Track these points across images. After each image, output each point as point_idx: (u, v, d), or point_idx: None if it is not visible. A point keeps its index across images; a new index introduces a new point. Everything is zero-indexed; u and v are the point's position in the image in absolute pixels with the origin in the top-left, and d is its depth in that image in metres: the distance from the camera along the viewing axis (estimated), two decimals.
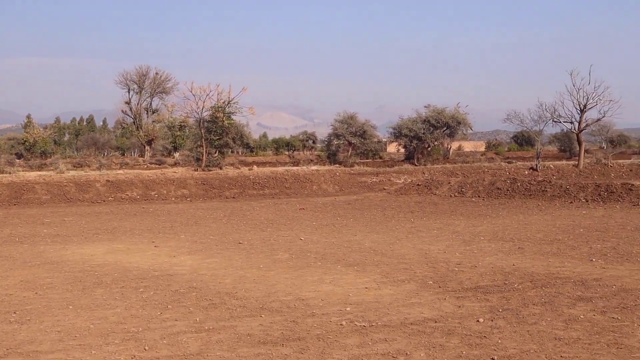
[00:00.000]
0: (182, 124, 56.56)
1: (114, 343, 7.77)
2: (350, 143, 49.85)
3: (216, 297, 10.07)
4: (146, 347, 7.56)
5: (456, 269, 12.16)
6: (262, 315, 8.90)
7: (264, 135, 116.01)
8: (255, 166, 44.69)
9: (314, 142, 75.20)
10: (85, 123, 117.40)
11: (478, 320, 8.45)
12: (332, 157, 50.92)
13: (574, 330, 7.93)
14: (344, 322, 8.45)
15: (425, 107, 52.67)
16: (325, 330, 8.13)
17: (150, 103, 71.18)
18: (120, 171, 39.03)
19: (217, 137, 41.74)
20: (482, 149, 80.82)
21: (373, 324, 8.38)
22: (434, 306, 9.31)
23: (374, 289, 10.57)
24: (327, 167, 44.22)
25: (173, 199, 31.55)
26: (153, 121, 69.51)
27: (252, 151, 76.79)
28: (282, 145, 78.89)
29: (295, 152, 72.26)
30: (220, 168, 40.33)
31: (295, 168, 42.34)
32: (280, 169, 41.88)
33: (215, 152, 42.49)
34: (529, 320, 8.45)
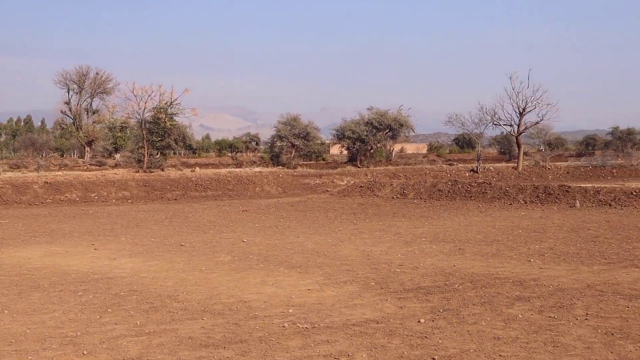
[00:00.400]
0: (124, 125, 55.83)
1: (51, 348, 7.61)
2: (293, 145, 49.89)
3: (157, 300, 9.96)
4: (85, 352, 7.43)
5: (398, 270, 12.25)
6: (204, 318, 8.83)
7: (207, 137, 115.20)
8: (197, 168, 44.37)
9: (257, 144, 75.03)
10: (22, 123, 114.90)
11: (419, 321, 8.53)
12: (275, 158, 50.89)
13: (512, 330, 8.07)
14: (286, 324, 8.43)
15: (368, 109, 53.10)
16: (267, 332, 8.11)
17: (91, 103, 69.90)
18: (59, 172, 38.33)
19: (159, 139, 41.34)
20: (424, 151, 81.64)
21: (315, 325, 8.38)
22: (376, 307, 9.37)
23: (317, 290, 10.58)
24: (270, 169, 44.15)
25: (114, 201, 31.11)
26: (93, 122, 68.36)
27: (194, 153, 76.19)
28: (225, 147, 78.43)
29: (238, 154, 71.91)
30: (162, 170, 39.94)
31: (238, 170, 42.18)
32: (223, 170, 41.67)
33: (157, 154, 42.07)
34: (469, 320, 8.56)
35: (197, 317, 8.92)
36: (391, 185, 32.22)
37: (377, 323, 8.48)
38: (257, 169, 43.42)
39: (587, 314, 8.76)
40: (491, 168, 45.91)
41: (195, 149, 74.30)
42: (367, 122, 50.47)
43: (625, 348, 7.29)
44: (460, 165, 50.58)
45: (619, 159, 51.14)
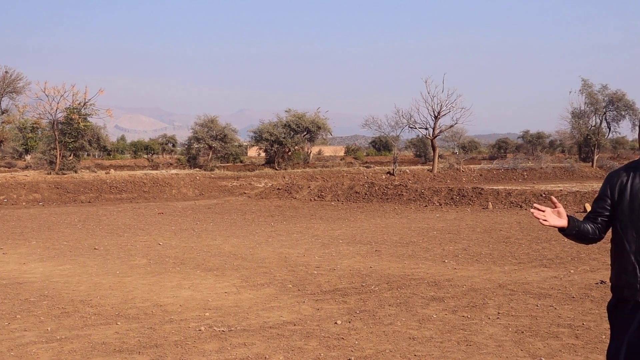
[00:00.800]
0: (35, 125, 54.25)
1: None
2: (210, 147, 49.51)
3: (69, 305, 9.71)
4: None
5: (315, 272, 12.30)
6: (118, 323, 8.66)
7: (122, 138, 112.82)
8: (112, 170, 43.50)
9: (173, 146, 74.19)
10: None
11: (336, 322, 8.58)
12: (192, 160, 50.38)
13: (427, 330, 8.20)
14: (202, 328, 8.35)
15: (286, 111, 53.17)
16: (183, 336, 8.01)
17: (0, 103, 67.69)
18: None
19: (72, 140, 40.32)
20: (342, 153, 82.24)
21: (232, 328, 8.33)
22: (293, 309, 9.38)
23: (234, 293, 10.52)
24: (187, 171, 43.68)
25: (24, 203, 30.19)
26: (2, 122, 66.14)
27: (109, 154, 74.64)
28: (140, 149, 77.13)
29: (155, 156, 70.87)
30: (76, 171, 38.98)
31: (154, 172, 41.55)
32: (139, 172, 40.98)
33: (70, 155, 41.01)
34: (385, 320, 8.66)
35: (110, 322, 8.74)
36: (309, 187, 32.33)
37: (294, 325, 8.49)
38: (174, 171, 42.89)
39: (498, 313, 8.99)
40: (407, 170, 46.60)
41: (110, 151, 72.78)
42: (285, 125, 50.53)
43: (534, 345, 7.51)
44: (377, 167, 51.16)
45: (530, 162, 52.67)
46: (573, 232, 4.47)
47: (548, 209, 4.43)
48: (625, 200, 4.41)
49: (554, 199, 4.48)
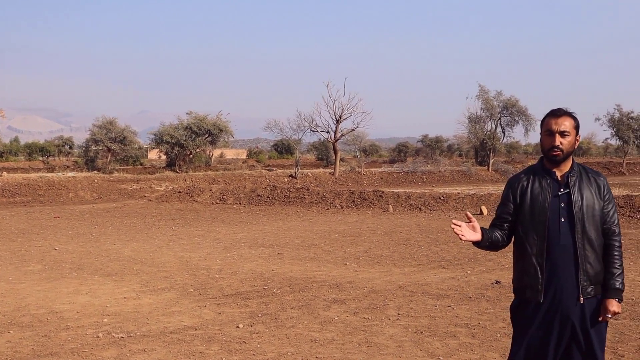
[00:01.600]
0: None
1: None
2: (109, 149, 48.41)
3: None
4: None
5: (217, 275, 12.20)
6: (11, 331, 8.34)
7: (16, 140, 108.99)
8: (5, 172, 41.93)
9: (70, 148, 72.24)
10: None
11: (238, 326, 8.53)
12: (90, 163, 49.14)
13: (328, 332, 8.26)
14: (100, 334, 8.15)
15: (187, 113, 52.54)
16: (80, 343, 7.79)
17: None
18: None
19: None
20: (244, 156, 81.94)
21: (131, 334, 8.16)
22: (194, 314, 9.27)
23: (133, 298, 10.31)
24: (84, 174, 42.55)
25: None
26: None
27: (1, 156, 71.98)
28: (35, 151, 74.66)
29: (50, 158, 68.77)
30: None
31: (50, 174, 40.28)
32: (34, 175, 39.65)
33: None
34: (287, 323, 8.67)
35: (2, 330, 8.41)
36: (210, 190, 32.06)
37: (196, 330, 8.39)
38: (71, 174, 41.71)
39: (398, 314, 9.14)
40: (309, 174, 46.83)
41: (2, 153, 70.19)
42: (187, 127, 49.93)
43: (433, 345, 7.67)
44: (279, 170, 51.20)
45: (429, 166, 53.81)
46: (487, 243, 4.59)
47: (464, 224, 4.52)
48: (527, 204, 4.56)
49: (469, 214, 4.59)
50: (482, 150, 59.22)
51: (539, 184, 4.57)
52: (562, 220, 4.47)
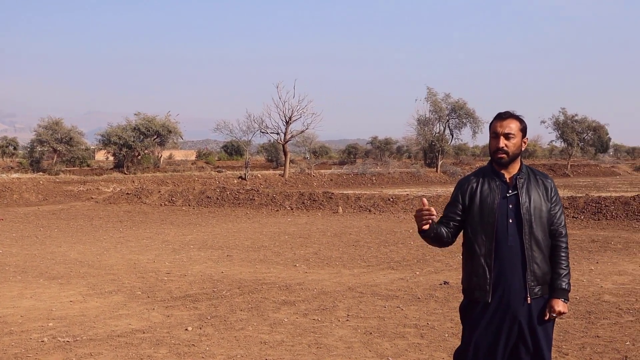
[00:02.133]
0: None
1: None
2: (55, 150, 47.64)
3: None
4: None
5: (165, 278, 12.08)
6: None
7: None
8: None
9: (15, 149, 70.94)
10: None
11: (187, 329, 8.45)
12: (35, 164, 48.30)
13: (278, 334, 8.24)
14: (45, 339, 7.99)
15: (135, 114, 52.01)
16: (24, 348, 7.64)
17: None
18: None
19: None
20: (193, 157, 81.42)
21: (78, 338, 8.03)
22: (142, 317, 9.16)
23: (80, 302, 10.15)
24: (29, 175, 41.78)
25: None
26: None
27: None
28: None
29: None
30: None
31: None
32: None
33: None
34: (236, 326, 8.63)
35: None
36: (159, 192, 31.75)
37: (144, 333, 8.30)
38: (15, 175, 40.90)
39: (348, 315, 9.17)
40: (259, 175, 46.72)
41: None
42: (135, 128, 49.42)
43: (382, 346, 7.71)
44: (228, 172, 50.98)
45: (378, 167, 54.16)
46: (432, 234, 4.62)
47: (425, 209, 4.53)
48: (476, 206, 4.62)
49: (424, 200, 4.61)
50: (430, 152, 59.82)
51: (488, 185, 4.63)
52: (510, 221, 4.53)
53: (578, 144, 67.24)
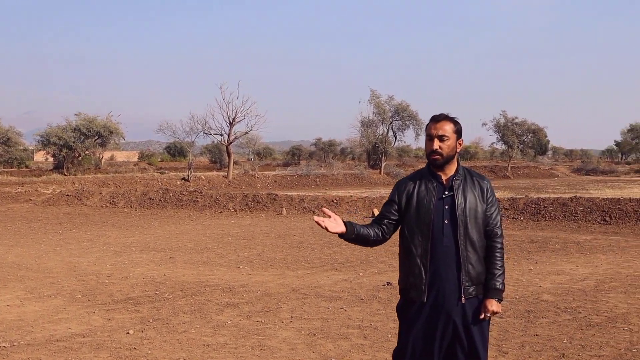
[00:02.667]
0: None
1: None
2: None
3: None
4: None
5: (107, 281, 11.90)
6: None
7: None
8: None
9: None
10: None
11: (128, 332, 8.34)
12: None
13: (221, 336, 8.19)
14: None
15: (76, 115, 51.18)
16: None
17: None
18: None
19: None
20: (135, 159, 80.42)
21: (15, 343, 7.85)
22: (83, 320, 9.01)
23: (17, 306, 9.93)
24: None
25: None
26: None
27: None
28: None
29: None
30: None
31: None
32: None
33: None
34: (179, 328, 8.55)
35: None
36: (100, 193, 31.28)
37: (84, 337, 8.16)
38: None
39: (292, 317, 9.16)
40: (202, 177, 46.42)
41: None
42: (75, 129, 48.62)
43: (326, 347, 7.73)
44: (171, 173, 50.53)
45: (322, 169, 54.32)
46: (352, 236, 4.68)
47: (326, 219, 4.60)
48: (412, 207, 4.68)
49: (326, 210, 4.68)
50: (374, 153, 60.29)
51: (425, 187, 4.70)
52: (446, 222, 4.60)
53: (518, 146, 68.52)
